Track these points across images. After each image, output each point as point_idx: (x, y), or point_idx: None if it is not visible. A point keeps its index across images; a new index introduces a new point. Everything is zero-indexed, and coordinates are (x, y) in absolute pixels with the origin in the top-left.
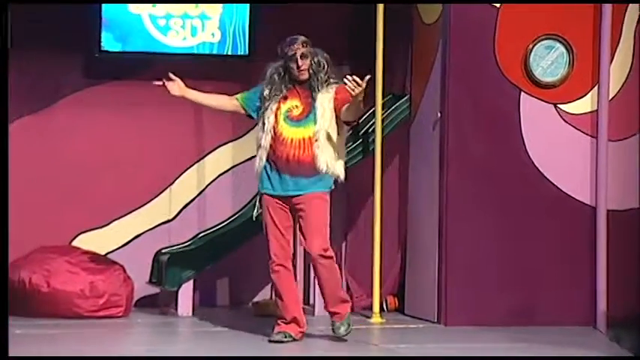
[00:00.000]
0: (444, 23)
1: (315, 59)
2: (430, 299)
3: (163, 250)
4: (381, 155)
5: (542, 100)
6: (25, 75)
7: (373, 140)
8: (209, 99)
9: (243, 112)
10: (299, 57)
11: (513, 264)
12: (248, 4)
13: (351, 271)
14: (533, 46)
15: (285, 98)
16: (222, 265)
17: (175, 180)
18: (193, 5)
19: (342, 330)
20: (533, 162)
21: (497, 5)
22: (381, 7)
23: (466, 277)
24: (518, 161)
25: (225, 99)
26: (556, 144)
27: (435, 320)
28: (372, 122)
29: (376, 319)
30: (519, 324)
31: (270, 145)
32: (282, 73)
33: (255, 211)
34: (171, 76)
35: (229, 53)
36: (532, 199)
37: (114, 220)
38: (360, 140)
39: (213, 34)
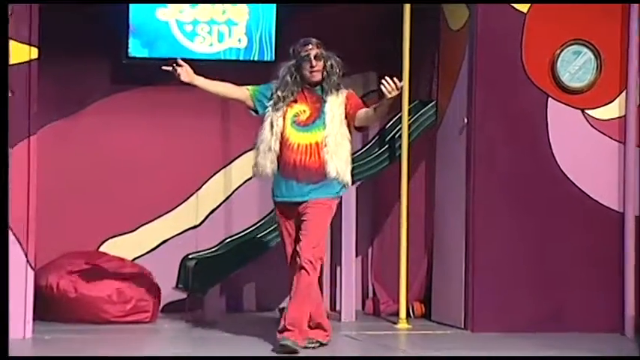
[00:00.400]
0: (471, 29)
1: (329, 62)
2: (457, 305)
3: (190, 256)
4: (407, 161)
5: (570, 106)
6: (53, 81)
7: (400, 146)
8: (218, 86)
9: (250, 103)
10: (313, 57)
11: (540, 270)
12: (275, 10)
13: (378, 276)
14: (561, 52)
15: (294, 102)
16: (249, 271)
17: (202, 185)
18: (220, 11)
19: (289, 342)
20: (560, 167)
21: (524, 11)
22: (407, 13)
23: (493, 283)
24: (546, 167)
25: (235, 87)
26: (583, 149)
27: (462, 326)
28: (398, 128)
29: (402, 325)
30: (547, 330)
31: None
32: (294, 75)
33: None
34: (180, 61)
35: (256, 59)
36: (559, 204)
37: (141, 226)
38: (387, 146)
39: (239, 40)
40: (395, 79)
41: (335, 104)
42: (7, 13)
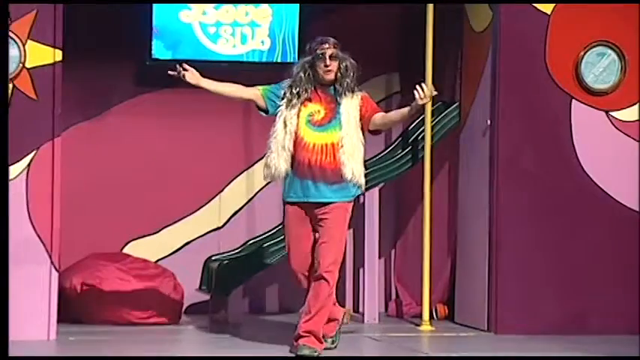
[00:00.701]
0: (494, 31)
1: (344, 63)
2: (480, 307)
3: (213, 258)
4: (430, 162)
5: (594, 107)
6: (78, 83)
7: (422, 148)
8: (225, 87)
9: (262, 103)
10: (328, 57)
11: (564, 271)
12: (298, 12)
13: (401, 278)
14: (585, 53)
15: (308, 101)
16: (272, 272)
17: (225, 187)
18: (243, 13)
19: (308, 350)
20: (584, 169)
21: (548, 12)
22: (430, 14)
23: (517, 284)
24: (569, 168)
25: (244, 88)
26: (607, 151)
27: (486, 328)
28: (421, 129)
29: (426, 327)
30: (571, 332)
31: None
32: (308, 71)
33: None
34: (185, 66)
35: (279, 61)
36: (582, 206)
37: (164, 228)
38: (410, 148)
39: (262, 42)
40: (430, 85)
41: (350, 106)
42: (7, 13)
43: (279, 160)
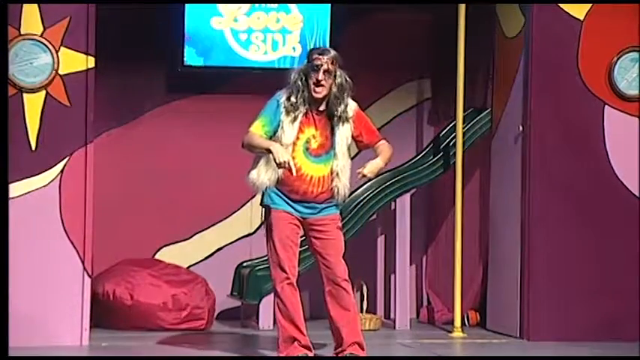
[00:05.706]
0: (526, 37)
1: (338, 80)
2: (512, 314)
3: (245, 264)
4: (461, 169)
5: (627, 114)
6: (110, 89)
7: (454, 154)
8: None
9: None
10: (322, 71)
11: (597, 277)
12: (329, 18)
13: (432, 285)
14: (618, 59)
15: (305, 124)
16: (303, 279)
17: (256, 194)
18: (274, 20)
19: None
20: (617, 175)
21: (581, 18)
22: (462, 19)
23: (549, 291)
24: (602, 174)
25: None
26: None
27: (518, 335)
28: (452, 136)
29: (457, 333)
30: (604, 339)
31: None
32: (303, 78)
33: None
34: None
35: None
36: (615, 212)
37: (196, 234)
38: (441, 154)
39: (294, 48)
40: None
41: (344, 132)
42: (7, 14)
43: (265, 178)
